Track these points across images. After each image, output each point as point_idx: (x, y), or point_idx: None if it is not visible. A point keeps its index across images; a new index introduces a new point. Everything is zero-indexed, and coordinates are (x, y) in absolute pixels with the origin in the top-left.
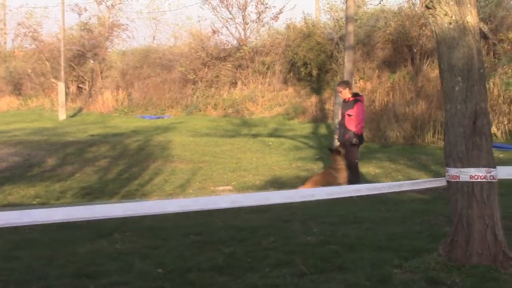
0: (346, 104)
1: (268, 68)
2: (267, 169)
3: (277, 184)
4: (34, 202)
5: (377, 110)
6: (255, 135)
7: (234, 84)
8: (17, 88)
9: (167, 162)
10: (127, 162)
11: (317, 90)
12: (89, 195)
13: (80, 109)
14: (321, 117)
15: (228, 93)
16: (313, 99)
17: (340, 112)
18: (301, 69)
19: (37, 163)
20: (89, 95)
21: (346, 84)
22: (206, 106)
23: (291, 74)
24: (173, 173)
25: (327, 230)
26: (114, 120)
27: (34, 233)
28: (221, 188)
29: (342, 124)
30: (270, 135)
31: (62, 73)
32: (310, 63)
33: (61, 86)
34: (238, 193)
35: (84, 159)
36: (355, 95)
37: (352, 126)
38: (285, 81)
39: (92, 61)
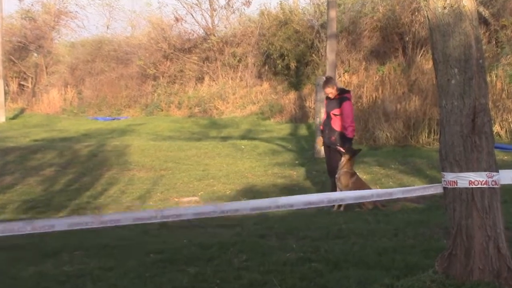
0: (331, 101)
1: (239, 61)
2: (239, 176)
3: (251, 193)
4: None
5: (365, 108)
6: (225, 138)
7: (200, 79)
8: None
9: (124, 170)
10: (77, 170)
11: (296, 85)
12: (33, 209)
13: (22, 110)
14: (300, 116)
15: (194, 90)
16: (292, 95)
17: (323, 110)
18: (278, 62)
19: None
20: (33, 93)
21: (333, 82)
22: (168, 105)
23: (266, 67)
24: (131, 183)
25: (308, 245)
26: (61, 123)
27: None
28: (186, 199)
29: (327, 124)
30: (243, 137)
31: (0, 68)
32: (288, 54)
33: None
34: (206, 204)
35: (26, 168)
36: (341, 91)
37: (338, 126)
38: (259, 76)
39: (36, 55)
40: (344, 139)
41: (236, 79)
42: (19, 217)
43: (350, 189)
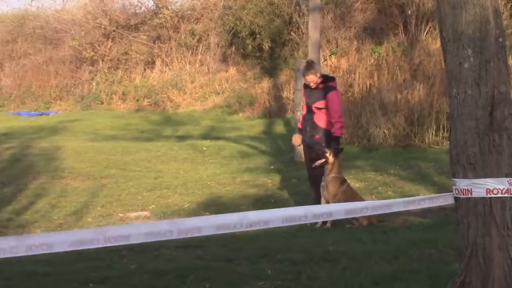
0: (312, 92)
1: (199, 41)
2: (200, 186)
3: (215, 206)
4: None
5: (357, 99)
6: (182, 138)
7: (150, 64)
8: None
9: (54, 179)
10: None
11: (271, 71)
12: None
13: None
14: (276, 109)
15: (142, 77)
16: (265, 84)
17: (303, 102)
18: (247, 42)
19: None
20: None
21: (315, 67)
22: (110, 96)
23: (233, 48)
24: (64, 195)
25: (287, 271)
26: None
27: None
28: (134, 214)
29: (308, 120)
30: (204, 137)
31: None
32: (260, 32)
33: None
34: (159, 220)
35: None
36: (325, 79)
37: (323, 122)
38: (224, 59)
39: None
40: (331, 138)
41: (195, 63)
42: None
43: (339, 200)
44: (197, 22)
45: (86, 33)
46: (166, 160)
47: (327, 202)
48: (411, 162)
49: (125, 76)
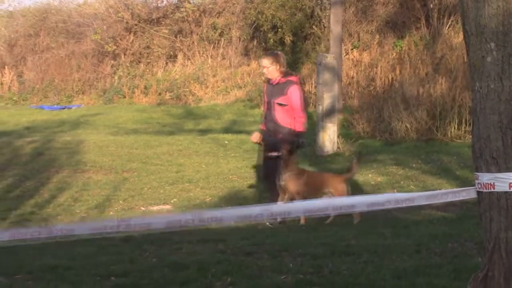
0: (273, 88)
1: (221, 35)
2: (222, 179)
3: (236, 200)
4: None
5: (379, 93)
6: (204, 131)
7: (172, 58)
8: None
9: (77, 173)
10: (18, 173)
11: (292, 65)
12: None
13: None
14: None
15: (164, 71)
16: None
17: (264, 100)
18: (269, 35)
19: None
20: None
21: (275, 57)
22: (132, 90)
23: (255, 42)
24: (86, 188)
25: (308, 265)
26: None
27: None
28: (156, 208)
29: (269, 117)
30: (226, 130)
31: None
32: (282, 26)
33: None
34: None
35: None
36: (287, 74)
37: (286, 120)
38: (246, 53)
39: None
40: (293, 135)
41: (217, 57)
42: None
43: (304, 195)
44: (219, 16)
45: (108, 27)
46: (188, 154)
47: (293, 199)
48: (433, 156)
49: (147, 70)
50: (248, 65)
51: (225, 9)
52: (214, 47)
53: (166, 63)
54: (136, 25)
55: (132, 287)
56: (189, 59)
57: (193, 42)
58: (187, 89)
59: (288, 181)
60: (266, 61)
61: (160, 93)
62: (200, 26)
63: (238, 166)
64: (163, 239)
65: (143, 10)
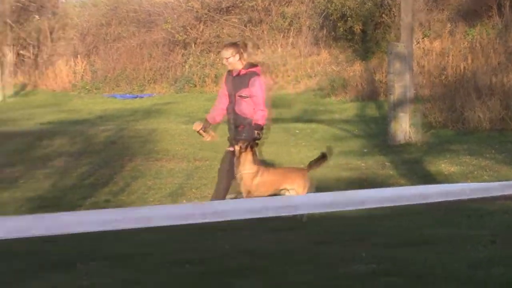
0: (235, 79)
1: (290, 24)
2: None
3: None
4: None
5: (451, 82)
6: (275, 120)
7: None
8: None
9: (149, 161)
10: (92, 161)
11: (363, 54)
12: (41, 208)
13: (24, 86)
14: (369, 92)
15: None
16: (357, 67)
17: (221, 93)
18: (339, 24)
19: None
20: (36, 65)
21: (236, 47)
22: (203, 79)
23: (325, 31)
24: (159, 176)
25: (381, 254)
26: (72, 102)
27: None
28: (228, 196)
29: (231, 110)
30: (297, 119)
31: None
32: (352, 15)
33: None
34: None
35: (31, 158)
36: (249, 65)
37: (247, 112)
38: (316, 42)
39: (37, 17)
40: (253, 127)
41: (287, 46)
42: None
43: (256, 194)
44: (288, 5)
45: (178, 16)
46: (259, 143)
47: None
48: (508, 146)
49: (217, 59)
50: (318, 54)
51: None
52: (283, 36)
53: None
54: (206, 14)
55: (206, 274)
56: (258, 48)
57: (262, 31)
58: None
59: (242, 179)
60: (225, 52)
61: None
62: (269, 15)
63: (309, 155)
64: (236, 227)
65: None
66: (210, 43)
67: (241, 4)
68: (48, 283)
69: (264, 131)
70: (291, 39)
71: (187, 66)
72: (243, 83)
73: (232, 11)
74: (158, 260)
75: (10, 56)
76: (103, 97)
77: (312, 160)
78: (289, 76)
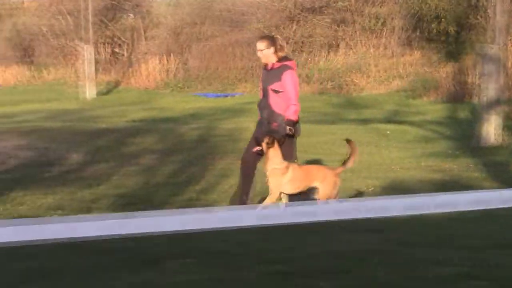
0: (268, 73)
1: (383, 24)
2: (384, 169)
3: (398, 191)
4: (55, 215)
5: None
6: (365, 121)
7: (334, 47)
8: (27, 54)
9: (239, 160)
10: (182, 159)
11: (455, 55)
12: (131, 205)
13: (116, 84)
14: (461, 94)
15: (326, 60)
16: (450, 68)
17: (260, 86)
18: (432, 25)
19: (58, 160)
20: (129, 63)
21: (271, 40)
22: None
23: (417, 32)
24: None
25: (471, 257)
26: (163, 99)
27: (55, 259)
28: (317, 195)
29: (264, 105)
30: (387, 120)
31: (90, 32)
32: (445, 16)
33: (88, 51)
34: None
35: (122, 155)
36: (283, 59)
37: (281, 107)
38: (408, 43)
39: (131, 16)
40: (286, 124)
41: (378, 47)
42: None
43: (287, 191)
44: (381, 5)
45: (271, 16)
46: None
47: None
48: None
49: (309, 59)
50: (410, 55)
51: None
52: (376, 37)
53: (328, 52)
54: (298, 14)
55: (293, 274)
56: (351, 48)
57: (355, 32)
58: (349, 79)
59: (270, 176)
60: (260, 44)
61: (321, 82)
62: (362, 16)
63: (400, 156)
64: (324, 228)
65: None
66: (302, 43)
67: (334, 4)
68: (138, 280)
69: (297, 126)
70: (383, 40)
71: None
72: (276, 76)
73: (325, 11)
74: (245, 258)
75: (104, 54)
76: (193, 96)
77: (345, 159)
78: (380, 76)
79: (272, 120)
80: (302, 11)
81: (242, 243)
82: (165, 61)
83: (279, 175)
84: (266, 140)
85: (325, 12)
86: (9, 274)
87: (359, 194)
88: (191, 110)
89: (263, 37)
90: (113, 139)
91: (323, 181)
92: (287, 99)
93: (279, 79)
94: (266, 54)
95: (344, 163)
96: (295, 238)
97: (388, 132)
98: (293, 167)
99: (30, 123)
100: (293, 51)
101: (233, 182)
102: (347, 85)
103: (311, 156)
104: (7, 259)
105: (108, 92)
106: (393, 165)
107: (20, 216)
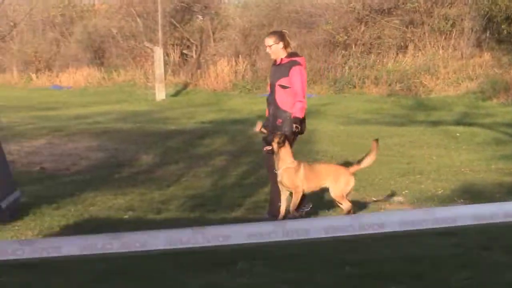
0: (276, 68)
1: (452, 26)
2: (453, 172)
3: (469, 194)
4: (126, 216)
5: None
6: (435, 123)
7: (403, 48)
8: (98, 56)
9: (309, 161)
10: (252, 160)
11: None
12: (201, 207)
13: (185, 85)
14: None
15: (394, 61)
16: None
17: (268, 82)
18: (503, 27)
19: (128, 161)
20: (198, 65)
21: (280, 35)
22: (363, 80)
23: (488, 33)
24: None
25: None
26: (232, 101)
27: (126, 261)
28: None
29: (271, 101)
30: (457, 122)
31: (160, 34)
32: None
33: (158, 52)
34: (412, 206)
35: (191, 157)
36: (292, 55)
37: (287, 103)
38: (478, 44)
39: (201, 17)
40: (293, 122)
41: (448, 48)
42: (185, 216)
43: (304, 188)
44: (451, 6)
45: (339, 17)
46: (419, 146)
47: (291, 193)
48: None
49: (378, 61)
50: (480, 56)
51: (458, 0)
52: (445, 38)
53: (397, 54)
54: (367, 15)
55: (365, 277)
56: (419, 50)
57: (424, 33)
58: (418, 80)
59: (284, 175)
60: (268, 40)
61: (390, 83)
62: (431, 17)
63: (470, 159)
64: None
65: (375, 0)
66: (371, 44)
67: (402, 6)
68: (209, 280)
69: (304, 124)
70: (452, 41)
71: (347, 68)
72: (284, 71)
73: (394, 12)
74: (318, 261)
75: (173, 56)
76: (262, 97)
77: (361, 158)
78: (450, 78)
79: (277, 116)
80: (370, 12)
81: (313, 245)
82: (234, 63)
83: (292, 173)
84: (276, 139)
85: (394, 13)
86: (80, 273)
87: (429, 197)
88: (260, 111)
89: (271, 33)
90: (182, 140)
91: (334, 179)
92: (294, 95)
93: (286, 74)
94: (275, 49)
95: (359, 162)
96: (371, 241)
97: (457, 134)
98: (304, 165)
99: (101, 125)
100: (362, 52)
101: None
102: (416, 86)
103: (383, 158)
104: (77, 259)
105: (177, 93)
106: (462, 167)
107: (91, 217)
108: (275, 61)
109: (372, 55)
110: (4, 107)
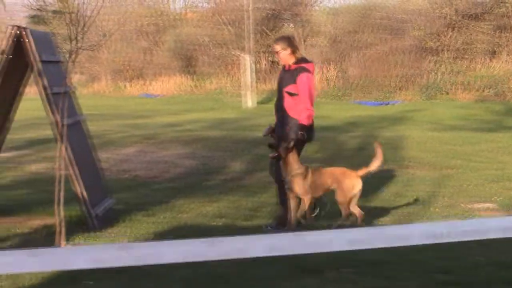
0: (285, 74)
1: None
2: None
3: None
4: (218, 223)
5: None
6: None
7: (493, 54)
8: (189, 64)
9: (400, 168)
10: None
11: None
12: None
13: (274, 93)
14: None
15: (484, 67)
16: None
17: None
18: None
19: (217, 168)
20: None
21: (287, 41)
22: (453, 86)
23: None
24: (410, 184)
25: None
26: (322, 108)
27: (218, 267)
28: (478, 205)
29: (279, 108)
30: None
31: (251, 42)
32: None
33: (247, 60)
34: (505, 213)
35: None
36: (301, 60)
37: (295, 110)
38: None
39: (291, 25)
40: (299, 129)
41: None
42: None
43: (311, 193)
44: None
45: (429, 23)
46: (509, 152)
47: (301, 199)
48: None
49: (468, 66)
50: None
51: None
52: None
53: (487, 59)
54: (459, 21)
55: (455, 284)
56: (510, 55)
57: None
58: (508, 86)
59: (293, 182)
60: (277, 46)
61: (480, 89)
62: None
63: None
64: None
65: (465, 5)
66: (461, 50)
67: (492, 10)
68: (298, 286)
69: (312, 132)
70: None
71: (438, 74)
72: (291, 78)
73: (483, 17)
74: (405, 268)
75: (262, 63)
76: (352, 104)
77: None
78: None
79: (284, 123)
80: (462, 17)
81: (400, 252)
82: (324, 70)
83: (301, 179)
84: (284, 145)
85: (484, 18)
86: (171, 279)
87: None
88: (351, 118)
89: (279, 39)
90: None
91: (340, 182)
92: (300, 102)
93: (294, 81)
94: (283, 56)
95: (368, 165)
96: (463, 248)
97: None
98: (312, 170)
99: (192, 132)
100: (452, 58)
101: (394, 190)
102: (506, 92)
103: (473, 165)
104: (169, 266)
105: (267, 101)
106: None
107: (185, 224)
108: (284, 66)
109: (463, 61)
110: (95, 116)
